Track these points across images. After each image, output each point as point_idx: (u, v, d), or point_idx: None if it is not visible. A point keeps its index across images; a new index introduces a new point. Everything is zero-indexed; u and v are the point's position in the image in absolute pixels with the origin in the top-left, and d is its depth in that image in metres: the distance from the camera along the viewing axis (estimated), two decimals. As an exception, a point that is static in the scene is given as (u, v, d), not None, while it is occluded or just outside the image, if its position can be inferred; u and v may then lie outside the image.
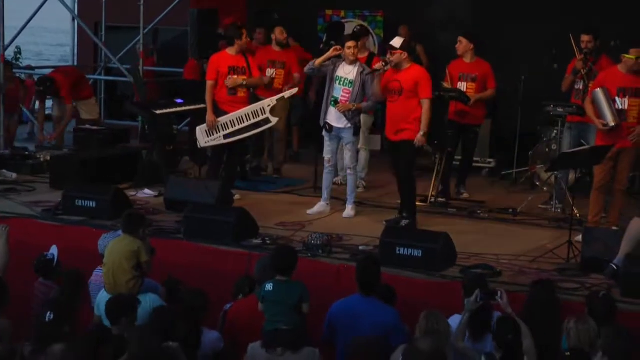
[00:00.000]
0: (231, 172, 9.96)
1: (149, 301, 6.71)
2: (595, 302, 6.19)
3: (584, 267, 7.59)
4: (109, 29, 14.85)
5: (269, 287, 6.52)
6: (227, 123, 9.57)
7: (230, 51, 9.65)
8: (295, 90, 9.87)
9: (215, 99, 9.66)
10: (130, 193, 9.90)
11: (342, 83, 9.13)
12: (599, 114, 8.39)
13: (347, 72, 9.14)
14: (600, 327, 5.97)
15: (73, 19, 15.12)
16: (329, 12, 13.36)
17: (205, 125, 9.64)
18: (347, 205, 9.34)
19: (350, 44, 9.11)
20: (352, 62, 9.14)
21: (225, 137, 9.57)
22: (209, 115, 9.58)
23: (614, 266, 7.28)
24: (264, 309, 6.53)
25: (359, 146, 10.34)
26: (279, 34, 10.93)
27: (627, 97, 8.37)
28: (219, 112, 9.64)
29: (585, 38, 9.37)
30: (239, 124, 9.54)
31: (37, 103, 13.05)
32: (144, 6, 12.70)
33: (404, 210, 8.84)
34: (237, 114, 9.56)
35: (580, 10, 11.75)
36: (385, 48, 12.56)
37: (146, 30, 13.22)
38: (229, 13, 12.22)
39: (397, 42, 8.86)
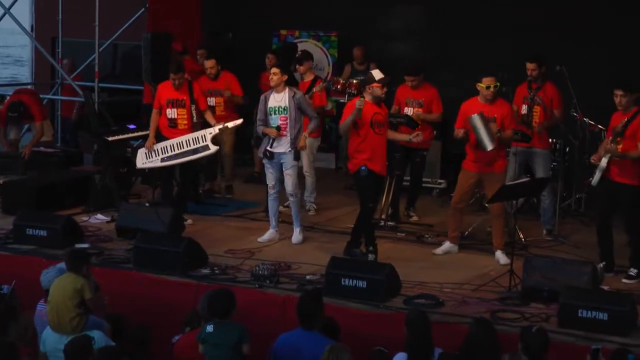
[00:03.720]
0: (183, 196, 10.04)
1: (94, 338, 6.78)
2: (528, 337, 6.30)
3: (525, 296, 7.77)
4: (66, 43, 14.81)
5: (209, 328, 6.64)
6: (166, 147, 9.79)
7: (173, 84, 9.83)
8: (239, 122, 10.02)
9: (159, 125, 9.88)
10: (83, 218, 9.99)
11: (278, 112, 9.24)
12: (477, 140, 8.70)
13: (279, 99, 9.25)
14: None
15: (32, 29, 15.14)
16: (283, 32, 13.47)
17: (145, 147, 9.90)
18: (294, 229, 9.43)
19: (274, 70, 9.25)
20: (281, 90, 9.25)
21: (163, 160, 9.76)
22: (149, 139, 9.88)
23: None
24: (205, 351, 6.65)
25: (305, 171, 10.50)
26: (207, 68, 11.03)
27: None
28: (161, 138, 9.84)
29: (530, 66, 9.55)
30: (178, 149, 9.73)
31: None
32: (103, 19, 12.76)
33: (371, 243, 8.90)
34: (178, 139, 9.78)
35: (534, 28, 11.96)
36: (341, 67, 12.92)
37: (102, 48, 13.27)
38: (184, 34, 12.33)
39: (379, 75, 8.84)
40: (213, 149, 9.71)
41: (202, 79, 11.12)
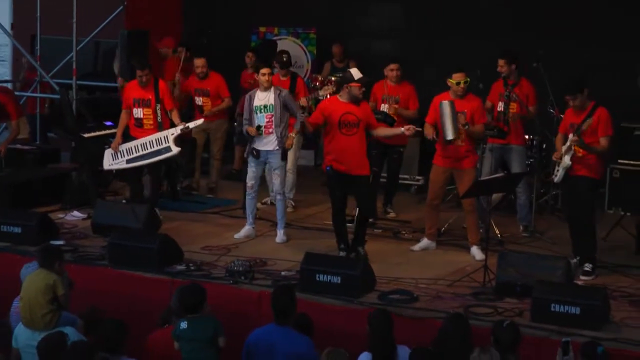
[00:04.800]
0: (154, 193, 10.07)
1: (68, 335, 6.75)
2: (499, 331, 6.35)
3: (498, 291, 7.79)
4: (47, 40, 14.73)
5: (183, 325, 6.65)
6: (131, 148, 9.85)
7: (140, 82, 9.84)
8: (200, 122, 10.06)
9: (128, 124, 9.94)
10: (59, 215, 9.98)
11: (262, 111, 9.25)
12: (441, 126, 8.72)
13: (263, 98, 9.25)
14: (505, 355, 6.19)
15: (12, 27, 15.05)
16: (262, 29, 13.46)
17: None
18: (278, 231, 9.40)
19: (264, 70, 9.24)
20: (266, 88, 9.25)
21: (128, 162, 9.83)
22: (115, 140, 9.95)
23: None
24: (181, 347, 6.65)
25: (287, 168, 10.48)
26: (196, 67, 11.03)
27: None
28: (128, 138, 9.91)
29: (500, 62, 9.61)
30: (142, 150, 9.78)
31: None
32: (83, 17, 12.71)
33: (359, 243, 8.84)
34: (142, 140, 9.82)
35: (516, 27, 11.99)
36: (320, 65, 12.93)
37: (80, 46, 13.21)
38: (164, 32, 12.30)
39: (357, 74, 8.80)
40: (175, 150, 9.70)
41: (190, 78, 11.15)
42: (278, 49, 11.79)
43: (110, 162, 9.96)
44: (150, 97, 9.78)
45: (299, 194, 10.89)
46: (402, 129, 8.88)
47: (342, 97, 8.79)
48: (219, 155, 11.24)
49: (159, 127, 9.78)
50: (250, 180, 9.38)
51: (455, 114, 8.68)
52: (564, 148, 8.31)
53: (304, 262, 7.93)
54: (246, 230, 9.46)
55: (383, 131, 9.14)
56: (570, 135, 8.23)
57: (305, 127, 9.01)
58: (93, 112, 11.93)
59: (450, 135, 8.66)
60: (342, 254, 8.71)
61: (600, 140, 8.23)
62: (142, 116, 9.81)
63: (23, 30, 14.94)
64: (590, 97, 8.34)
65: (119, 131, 9.95)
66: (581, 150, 8.24)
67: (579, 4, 11.68)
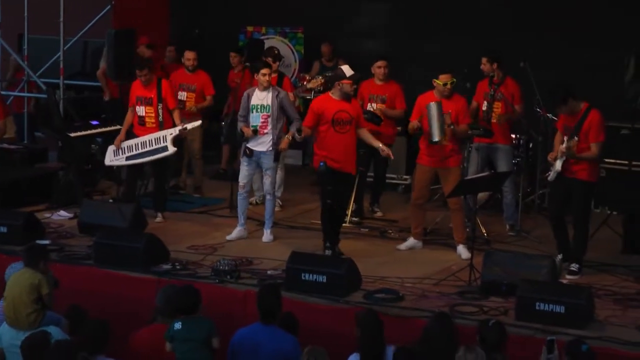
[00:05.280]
0: (161, 194, 10.18)
1: (51, 334, 6.74)
2: (485, 330, 6.36)
3: (484, 290, 7.81)
4: (34, 40, 14.69)
5: (177, 325, 6.63)
6: (131, 146, 9.96)
7: (141, 81, 9.88)
8: (198, 123, 10.12)
9: (132, 122, 10.03)
10: (46, 215, 9.96)
11: (259, 110, 9.24)
12: (428, 127, 8.75)
13: (261, 98, 9.24)
14: (491, 354, 6.20)
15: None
16: (250, 28, 13.45)
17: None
18: (265, 230, 9.38)
19: (264, 71, 9.23)
20: (265, 88, 9.24)
21: (128, 159, 9.93)
22: (118, 137, 10.04)
23: None
24: (175, 348, 6.64)
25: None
26: (185, 59, 11.04)
27: None
28: (131, 135, 9.99)
29: (482, 60, 9.66)
30: (141, 148, 9.87)
31: None
32: (70, 17, 12.68)
33: (330, 239, 8.84)
34: (142, 138, 9.91)
35: (504, 26, 12.02)
36: (307, 64, 12.94)
37: (68, 46, 13.19)
38: (151, 30, 12.29)
39: (349, 71, 8.82)
40: (172, 150, 9.79)
41: (178, 72, 11.16)
42: (265, 47, 11.80)
43: (112, 158, 10.07)
44: (152, 95, 9.87)
45: (287, 192, 10.89)
46: (380, 145, 8.93)
47: (334, 95, 8.82)
48: (199, 154, 11.25)
49: (160, 125, 9.87)
50: (242, 180, 9.36)
51: (442, 116, 8.70)
52: (559, 152, 8.29)
53: (290, 261, 7.93)
54: (238, 231, 9.43)
55: (365, 135, 9.07)
56: (565, 139, 8.23)
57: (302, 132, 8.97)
58: (80, 112, 11.93)
59: (436, 137, 8.67)
60: (328, 252, 8.71)
61: (591, 146, 8.21)
62: (144, 114, 9.93)
63: (10, 30, 14.91)
64: (583, 98, 8.30)
65: (123, 128, 10.08)
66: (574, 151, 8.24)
67: (567, 3, 11.71)
